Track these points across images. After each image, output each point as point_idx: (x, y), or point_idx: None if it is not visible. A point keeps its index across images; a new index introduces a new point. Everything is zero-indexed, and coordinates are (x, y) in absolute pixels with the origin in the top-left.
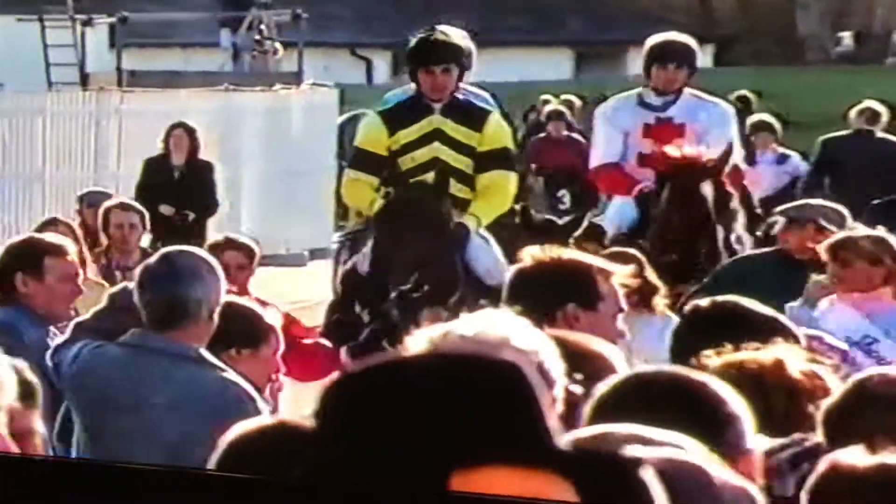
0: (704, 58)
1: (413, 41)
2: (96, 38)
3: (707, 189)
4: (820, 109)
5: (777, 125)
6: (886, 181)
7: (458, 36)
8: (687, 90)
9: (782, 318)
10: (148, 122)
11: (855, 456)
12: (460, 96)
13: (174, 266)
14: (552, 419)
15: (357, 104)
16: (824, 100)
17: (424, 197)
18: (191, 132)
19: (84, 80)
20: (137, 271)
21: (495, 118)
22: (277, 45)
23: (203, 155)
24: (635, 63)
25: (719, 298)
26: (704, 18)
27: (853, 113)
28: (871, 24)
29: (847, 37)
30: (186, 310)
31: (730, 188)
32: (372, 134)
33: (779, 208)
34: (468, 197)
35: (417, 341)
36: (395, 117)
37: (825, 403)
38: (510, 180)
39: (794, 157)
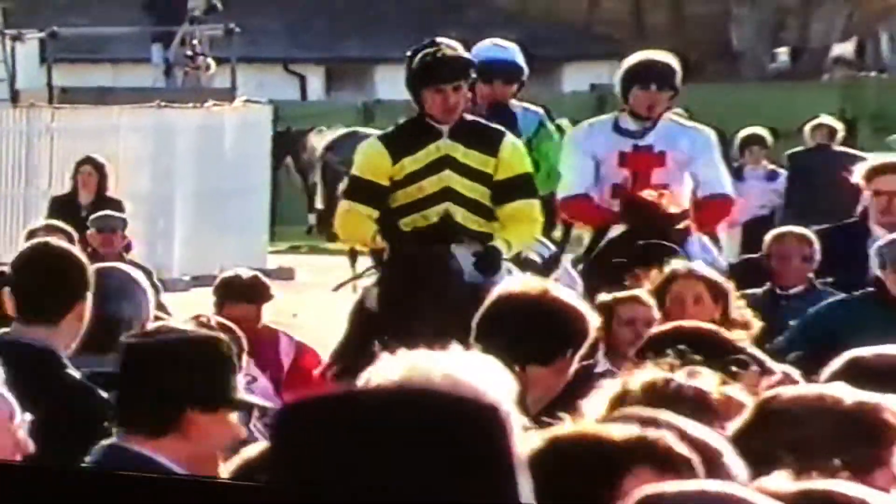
0: None
1: (418, 57)
2: (26, 54)
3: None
4: (758, 126)
5: (769, 139)
6: (850, 195)
7: (461, 49)
8: (665, 115)
9: (750, 348)
10: (80, 139)
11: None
12: (469, 117)
13: (101, 286)
14: (522, 468)
15: (291, 120)
16: (761, 116)
17: (439, 253)
18: (99, 168)
19: (14, 96)
20: None
21: (510, 140)
22: (210, 60)
23: (129, 182)
24: (570, 79)
25: (679, 323)
26: (637, 34)
27: (808, 129)
28: (806, 39)
29: (783, 53)
30: (116, 331)
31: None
32: (373, 161)
33: (877, 246)
34: (485, 230)
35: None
36: (399, 142)
37: (733, 424)
38: (535, 208)
39: (784, 174)
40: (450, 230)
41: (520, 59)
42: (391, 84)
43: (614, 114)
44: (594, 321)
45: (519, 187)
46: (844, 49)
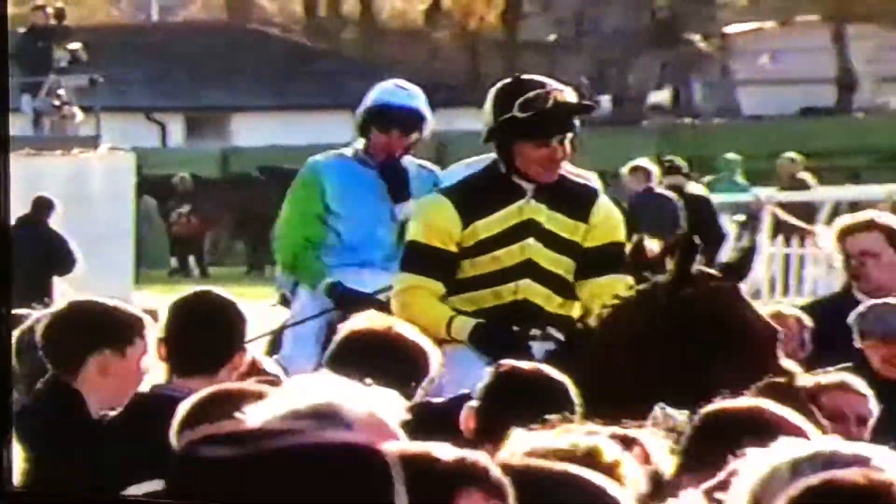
0: (475, 123)
1: (520, 101)
2: None
3: None
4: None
5: (655, 171)
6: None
7: (571, 92)
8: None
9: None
10: None
11: None
12: (562, 173)
13: None
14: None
15: (152, 167)
16: (585, 161)
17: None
18: None
19: None
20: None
21: (605, 203)
22: (76, 109)
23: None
24: None
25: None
26: (474, 84)
27: (625, 171)
28: (626, 88)
29: (605, 100)
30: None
31: None
32: (440, 223)
33: (853, 316)
34: (563, 312)
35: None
36: (471, 201)
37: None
38: (627, 286)
39: None
40: (527, 314)
41: (423, 107)
42: (248, 132)
43: (492, 156)
44: (437, 356)
45: (610, 259)
46: (660, 97)
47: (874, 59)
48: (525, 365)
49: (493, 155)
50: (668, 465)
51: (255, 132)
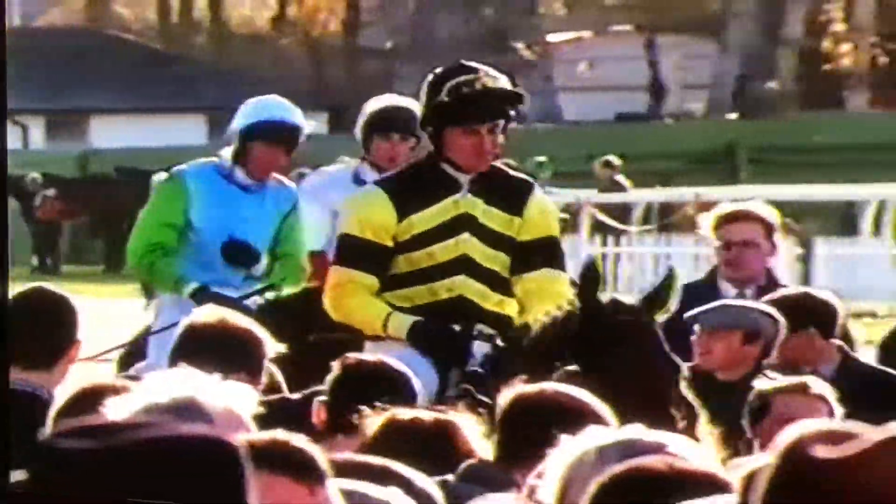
0: (320, 125)
1: (448, 85)
2: None
3: None
4: None
5: None
6: None
7: (506, 79)
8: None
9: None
10: None
11: None
12: (498, 166)
13: None
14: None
15: (15, 168)
16: None
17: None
18: None
19: None
20: None
21: (539, 197)
22: None
23: None
24: None
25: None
26: (318, 87)
27: None
28: None
29: None
30: None
31: None
32: (375, 216)
33: (691, 313)
34: (499, 310)
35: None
36: (407, 193)
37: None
38: (562, 281)
39: None
40: (463, 312)
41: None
42: (106, 134)
43: (355, 163)
44: (271, 344)
45: (544, 253)
46: None
47: (682, 68)
48: (369, 358)
49: (346, 159)
50: (485, 449)
51: (112, 134)
